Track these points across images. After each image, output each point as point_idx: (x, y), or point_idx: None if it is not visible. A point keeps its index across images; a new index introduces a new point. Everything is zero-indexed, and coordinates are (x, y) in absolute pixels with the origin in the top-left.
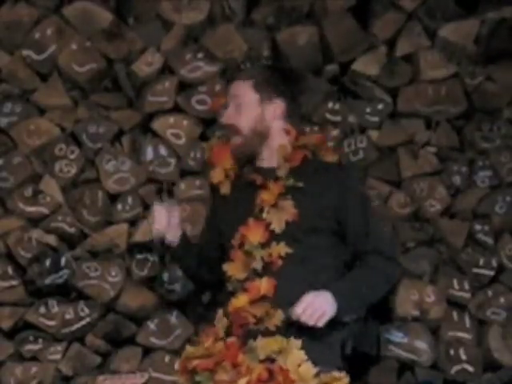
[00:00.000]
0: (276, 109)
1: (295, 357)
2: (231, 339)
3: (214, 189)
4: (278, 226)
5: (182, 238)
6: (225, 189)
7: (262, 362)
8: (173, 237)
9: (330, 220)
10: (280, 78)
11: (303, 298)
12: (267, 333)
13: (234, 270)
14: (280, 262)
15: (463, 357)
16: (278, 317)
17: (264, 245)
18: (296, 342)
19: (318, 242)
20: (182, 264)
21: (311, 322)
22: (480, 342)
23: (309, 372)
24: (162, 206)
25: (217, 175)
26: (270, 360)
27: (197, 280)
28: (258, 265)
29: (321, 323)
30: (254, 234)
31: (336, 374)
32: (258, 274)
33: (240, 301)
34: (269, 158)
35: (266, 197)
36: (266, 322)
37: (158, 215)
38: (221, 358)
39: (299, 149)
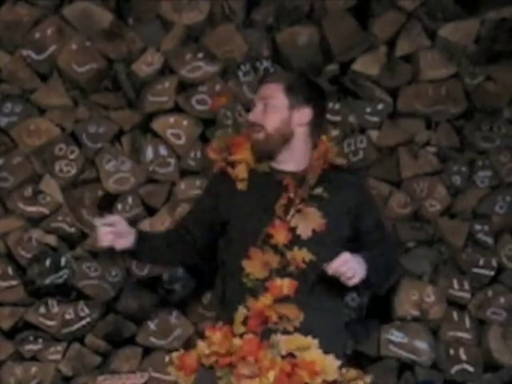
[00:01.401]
0: (303, 116)
1: (317, 352)
2: (249, 336)
3: (219, 177)
4: (304, 233)
5: (139, 236)
6: (242, 185)
7: (283, 357)
8: (124, 243)
9: (347, 227)
10: (312, 88)
11: (341, 255)
12: (285, 332)
13: (252, 268)
14: (303, 267)
15: (463, 357)
16: (299, 319)
17: (287, 247)
18: (314, 341)
19: (336, 252)
20: (148, 258)
21: (344, 278)
22: (480, 342)
23: (333, 365)
24: (104, 221)
25: (241, 172)
26: (291, 355)
27: (170, 263)
28: (280, 266)
29: (352, 283)
30: (279, 234)
31: (358, 371)
32: (279, 275)
33: (266, 299)
34: (285, 162)
35: (292, 200)
36: (285, 322)
37: (101, 234)
38: (242, 354)
39: (320, 158)
